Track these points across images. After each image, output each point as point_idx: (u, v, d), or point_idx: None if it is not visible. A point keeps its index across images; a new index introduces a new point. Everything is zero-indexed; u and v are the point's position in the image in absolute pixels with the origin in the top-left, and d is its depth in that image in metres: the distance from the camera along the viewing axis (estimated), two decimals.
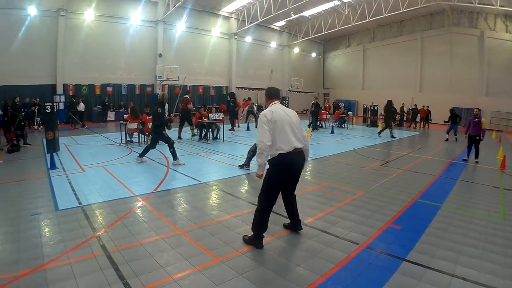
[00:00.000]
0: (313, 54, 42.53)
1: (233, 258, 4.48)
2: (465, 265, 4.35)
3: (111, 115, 23.39)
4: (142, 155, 10.49)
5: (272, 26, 35.67)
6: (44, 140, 11.99)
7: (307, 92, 40.50)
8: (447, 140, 17.85)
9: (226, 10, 30.61)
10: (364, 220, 5.90)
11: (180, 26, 27.63)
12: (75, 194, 7.05)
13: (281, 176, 4.68)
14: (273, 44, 36.51)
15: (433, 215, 6.28)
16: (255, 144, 9.59)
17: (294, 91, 37.96)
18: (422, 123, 26.78)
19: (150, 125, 13.50)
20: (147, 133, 13.79)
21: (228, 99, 20.24)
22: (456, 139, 17.22)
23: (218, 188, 8.04)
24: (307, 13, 31.92)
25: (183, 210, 6.44)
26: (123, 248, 4.68)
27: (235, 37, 31.78)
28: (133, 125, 13.70)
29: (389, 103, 19.81)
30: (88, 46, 22.85)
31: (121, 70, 24.79)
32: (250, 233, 4.93)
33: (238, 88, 32.87)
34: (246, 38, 33.07)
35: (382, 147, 15.77)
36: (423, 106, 26.51)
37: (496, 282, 3.97)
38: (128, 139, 14.04)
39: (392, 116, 20.71)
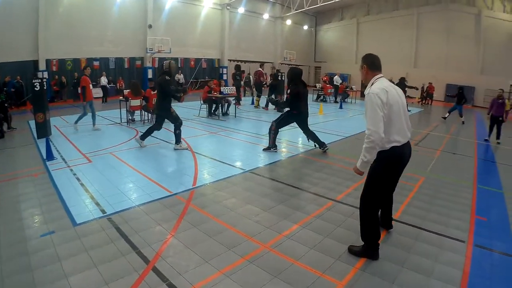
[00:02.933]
0: (305, 27, 40.20)
1: (357, 278, 3.35)
2: None
3: (98, 92, 20.70)
4: (144, 137, 8.47)
5: None
6: (33, 123, 9.84)
7: (299, 65, 38.47)
8: (444, 118, 16.18)
9: None
10: (449, 212, 5.09)
11: None
12: (92, 198, 5.13)
13: (391, 173, 3.70)
14: (266, 16, 34.08)
15: (503, 203, 5.74)
16: (273, 122, 8.19)
17: (286, 64, 35.91)
18: (428, 100, 25.57)
19: (155, 100, 11.61)
20: (151, 110, 11.82)
21: (234, 72, 18.42)
22: (463, 122, 15.49)
23: (270, 177, 6.45)
24: None
25: (248, 213, 4.77)
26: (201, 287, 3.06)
27: (228, 7, 29.28)
28: (135, 102, 11.65)
29: (402, 80, 19.07)
30: (72, 17, 19.94)
31: (108, 42, 22.03)
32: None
33: (230, 60, 30.76)
34: (238, 9, 30.56)
35: None
36: (430, 83, 25.26)
37: None
38: (130, 118, 12.01)
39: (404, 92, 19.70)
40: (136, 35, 23.26)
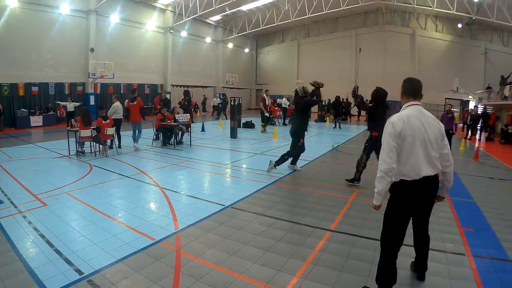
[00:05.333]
0: (246, 50, 40.60)
1: None
2: None
3: (38, 120, 19.07)
4: (294, 161, 9.03)
5: (208, 21, 32.97)
6: None
7: (240, 88, 38.60)
8: None
9: (162, 1, 27.15)
10: (436, 227, 5.16)
11: (114, 18, 23.64)
12: (59, 254, 4.18)
13: (403, 209, 3.23)
14: (208, 40, 33.87)
15: (480, 211, 6.18)
16: (363, 155, 7.59)
17: (228, 88, 35.71)
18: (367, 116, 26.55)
19: (108, 131, 10.58)
20: (102, 141, 10.73)
21: (184, 98, 17.69)
22: None
23: (255, 211, 5.91)
24: (245, 7, 29.96)
25: (250, 255, 4.26)
26: None
27: (171, 31, 28.56)
28: (86, 132, 10.48)
29: (337, 98, 20.79)
30: (10, 39, 18.00)
31: (48, 67, 20.20)
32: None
33: (173, 86, 29.89)
34: (181, 33, 29.98)
35: (354, 143, 14.85)
36: (366, 100, 26.09)
37: None
38: (79, 149, 10.70)
39: (338, 110, 21.81)
40: (77, 59, 21.78)
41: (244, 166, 9.76)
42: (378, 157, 8.07)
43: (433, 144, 3.15)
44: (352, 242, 4.65)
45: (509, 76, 21.84)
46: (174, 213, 5.71)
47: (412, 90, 3.35)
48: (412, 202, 3.22)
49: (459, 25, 27.52)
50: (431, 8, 25.57)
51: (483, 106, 23.75)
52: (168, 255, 4.17)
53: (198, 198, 6.54)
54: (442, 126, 3.28)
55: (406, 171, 3.12)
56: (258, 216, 5.64)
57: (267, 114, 18.38)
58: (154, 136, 13.12)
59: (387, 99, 7.66)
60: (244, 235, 4.82)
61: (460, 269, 3.94)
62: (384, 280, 3.27)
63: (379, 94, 7.81)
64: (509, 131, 17.94)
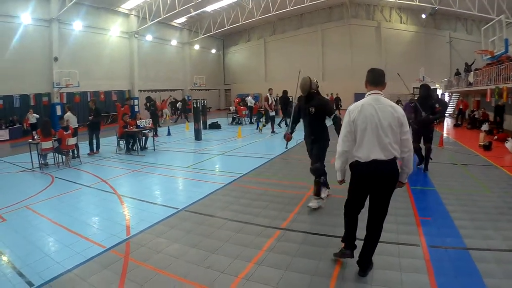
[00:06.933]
0: (213, 50, 40.50)
1: None
2: None
3: (4, 134, 18.65)
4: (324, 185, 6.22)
5: (173, 23, 32.78)
6: None
7: (209, 90, 38.66)
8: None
9: (125, 6, 26.86)
10: (396, 218, 5.22)
11: (77, 25, 23.23)
12: (13, 268, 4.33)
13: (356, 185, 3.66)
14: (174, 42, 33.68)
15: (439, 199, 6.27)
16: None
17: (196, 89, 35.66)
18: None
19: (69, 141, 10.59)
20: (64, 152, 10.74)
21: (147, 103, 17.59)
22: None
23: (207, 213, 6.04)
24: (209, 8, 29.93)
25: (196, 258, 4.35)
26: None
27: (136, 36, 28.28)
28: (47, 144, 10.44)
29: (284, 92, 19.13)
30: None
31: (11, 79, 19.64)
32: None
33: (141, 91, 29.45)
34: (146, 37, 29.71)
35: None
36: (331, 94, 26.50)
37: None
38: (42, 162, 10.64)
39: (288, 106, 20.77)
40: (41, 69, 21.30)
41: (204, 168, 9.96)
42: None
43: (386, 129, 3.33)
44: (302, 240, 4.73)
45: (473, 63, 22.58)
46: (128, 220, 5.90)
47: (373, 79, 3.59)
48: (365, 181, 3.53)
49: (423, 16, 28.30)
50: (394, 1, 26.26)
51: (449, 94, 24.57)
52: (115, 262, 4.35)
53: (153, 203, 6.73)
54: (400, 113, 3.38)
55: (358, 153, 3.48)
56: (210, 218, 5.79)
57: (272, 114, 17.58)
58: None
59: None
60: (193, 238, 4.97)
61: (412, 260, 3.99)
62: (345, 236, 3.94)
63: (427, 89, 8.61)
64: (475, 116, 18.44)
